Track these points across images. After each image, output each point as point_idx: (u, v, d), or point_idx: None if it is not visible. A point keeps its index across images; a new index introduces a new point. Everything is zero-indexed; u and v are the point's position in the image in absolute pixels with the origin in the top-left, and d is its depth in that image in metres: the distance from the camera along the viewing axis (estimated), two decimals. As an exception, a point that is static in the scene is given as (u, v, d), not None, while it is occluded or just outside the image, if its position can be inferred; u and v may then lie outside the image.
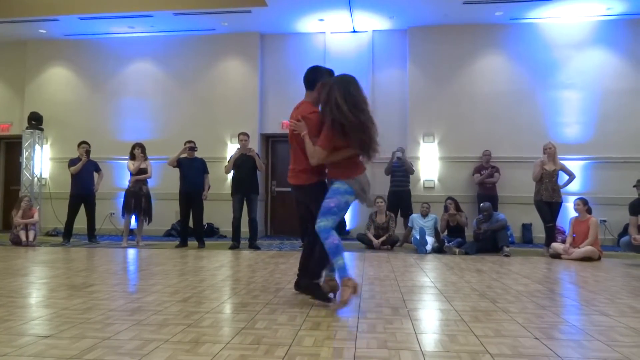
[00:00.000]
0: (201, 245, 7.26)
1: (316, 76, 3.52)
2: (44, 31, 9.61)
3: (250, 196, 7.06)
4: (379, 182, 8.89)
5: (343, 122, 3.19)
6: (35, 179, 9.59)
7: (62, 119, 9.81)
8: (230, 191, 7.25)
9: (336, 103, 3.20)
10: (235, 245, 6.98)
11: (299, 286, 3.53)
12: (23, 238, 7.32)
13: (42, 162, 9.74)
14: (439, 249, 6.81)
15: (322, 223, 3.24)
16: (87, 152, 7.73)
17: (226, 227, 8.66)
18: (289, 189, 9.08)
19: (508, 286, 4.09)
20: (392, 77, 9.36)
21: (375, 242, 7.11)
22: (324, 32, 9.50)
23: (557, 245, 6.40)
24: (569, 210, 7.50)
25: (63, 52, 9.99)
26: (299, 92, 10.02)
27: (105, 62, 9.87)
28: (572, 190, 7.82)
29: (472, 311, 3.12)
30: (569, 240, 6.39)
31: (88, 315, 2.94)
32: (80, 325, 2.71)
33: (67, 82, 9.98)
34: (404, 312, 3.07)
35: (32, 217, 7.63)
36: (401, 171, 8.16)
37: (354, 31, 9.44)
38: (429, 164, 9.00)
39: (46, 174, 9.81)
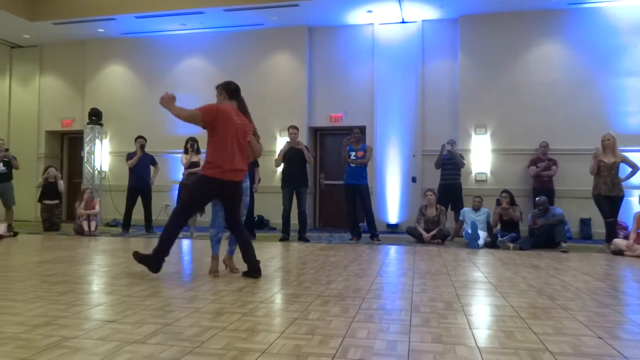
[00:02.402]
0: (252, 236, 7.38)
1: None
2: (102, 30, 10.02)
3: (300, 189, 7.13)
4: (428, 175, 8.77)
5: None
6: (96, 172, 10.07)
7: (120, 114, 10.23)
8: (280, 184, 7.35)
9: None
10: (285, 237, 7.07)
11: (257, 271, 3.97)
12: (85, 228, 7.72)
13: (102, 155, 10.21)
14: (491, 244, 6.64)
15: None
16: (142, 147, 8.03)
17: (276, 220, 8.78)
18: (337, 182, 9.19)
19: (567, 283, 3.94)
20: (442, 68, 9.17)
21: (426, 235, 7.02)
22: (372, 24, 9.41)
23: (619, 242, 6.10)
24: (633, 204, 7.12)
25: (120, 50, 10.40)
26: (347, 85, 10.05)
27: (159, 58, 10.19)
28: (637, 183, 7.41)
29: (530, 308, 3.03)
30: (632, 236, 6.07)
31: (149, 302, 3.07)
32: (141, 311, 2.83)
33: (124, 78, 10.39)
34: (458, 307, 3.02)
35: (94, 208, 8.02)
36: (451, 164, 8.00)
37: (403, 22, 9.29)
38: (481, 157, 8.77)
39: (106, 167, 10.29)
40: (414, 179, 9.05)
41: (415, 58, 9.19)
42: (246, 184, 4.31)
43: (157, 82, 10.16)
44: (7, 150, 8.26)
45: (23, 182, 9.45)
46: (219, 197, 4.05)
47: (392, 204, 9.10)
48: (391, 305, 3.05)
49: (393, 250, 6.09)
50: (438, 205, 7.33)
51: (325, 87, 9.59)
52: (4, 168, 7.98)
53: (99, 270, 4.43)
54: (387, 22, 9.33)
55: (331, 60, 9.61)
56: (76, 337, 2.33)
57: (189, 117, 3.88)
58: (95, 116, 10.04)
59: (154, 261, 3.88)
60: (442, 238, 7.07)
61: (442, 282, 3.88)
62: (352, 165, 7.13)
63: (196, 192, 4.04)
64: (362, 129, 8.20)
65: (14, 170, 8.15)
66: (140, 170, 8.03)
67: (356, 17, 9.18)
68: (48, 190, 8.47)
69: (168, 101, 3.87)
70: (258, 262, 3.99)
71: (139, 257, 3.96)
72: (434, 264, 4.89)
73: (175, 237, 3.93)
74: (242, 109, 4.19)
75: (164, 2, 9.03)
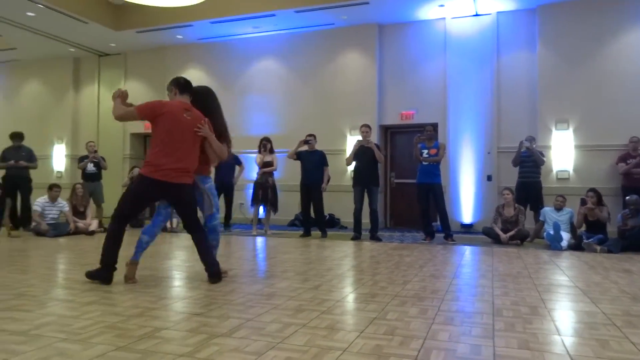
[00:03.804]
0: (324, 235, 7.47)
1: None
2: (181, 37, 10.52)
3: (371, 188, 7.10)
4: (505, 173, 8.43)
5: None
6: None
7: (197, 117, 10.68)
8: (350, 183, 7.37)
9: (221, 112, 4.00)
10: (356, 236, 7.08)
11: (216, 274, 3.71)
12: (168, 225, 8.14)
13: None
14: (575, 246, 6.27)
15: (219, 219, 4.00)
16: None
17: (346, 218, 8.82)
18: (408, 180, 9.06)
19: (665, 289, 3.64)
20: (519, 61, 8.77)
21: (503, 236, 6.75)
22: (444, 18, 9.18)
23: None
24: None
25: (197, 55, 10.86)
26: (418, 82, 9.89)
27: (233, 61, 10.54)
28: None
29: (625, 315, 2.83)
30: None
31: (230, 297, 3.19)
32: (225, 306, 2.95)
33: (200, 82, 10.64)
34: (544, 312, 2.88)
35: (174, 206, 8.43)
36: (530, 161, 7.62)
37: (477, 14, 8.98)
38: (563, 153, 8.30)
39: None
40: (489, 177, 8.73)
41: (490, 52, 8.86)
42: (209, 184, 3.93)
43: (231, 84, 10.52)
44: (96, 152, 8.89)
45: (111, 182, 10.12)
46: (162, 199, 3.79)
47: (467, 203, 8.84)
48: (471, 308, 2.97)
49: (468, 251, 5.92)
50: (516, 205, 7.03)
51: (395, 85, 9.48)
52: (94, 168, 8.60)
53: (182, 265, 4.66)
54: (460, 16, 9.06)
55: (402, 57, 9.48)
56: (167, 328, 2.47)
57: (122, 115, 3.62)
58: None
59: (103, 271, 3.58)
60: (521, 239, 6.77)
61: (525, 285, 3.71)
62: (424, 163, 7.00)
63: (130, 193, 3.71)
64: (435, 126, 8.03)
65: (102, 171, 8.77)
66: (223, 169, 8.33)
67: (427, 12, 9.00)
68: (133, 189, 9.00)
69: (115, 97, 3.65)
70: (217, 264, 3.73)
71: (90, 275, 3.64)
72: (514, 266, 4.70)
73: (117, 245, 3.61)
74: (206, 102, 3.88)
75: (238, 6, 9.32)
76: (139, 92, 11.42)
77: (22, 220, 8.01)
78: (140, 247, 3.77)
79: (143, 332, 2.40)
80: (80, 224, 7.60)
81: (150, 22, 9.92)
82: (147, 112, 3.60)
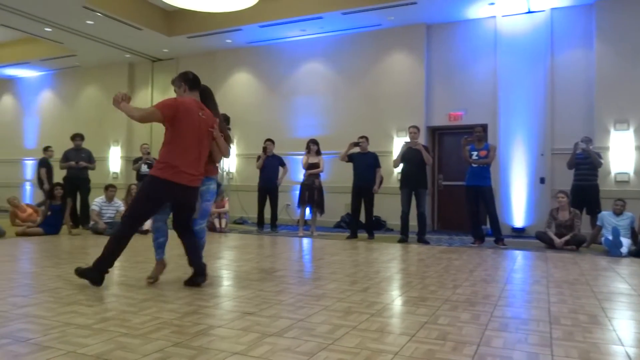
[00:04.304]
0: (371, 237, 7.45)
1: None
2: (230, 41, 10.75)
3: (419, 190, 7.02)
4: (559, 176, 8.12)
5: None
6: (225, 173, 10.84)
7: (245, 119, 10.89)
8: (397, 185, 7.30)
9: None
10: (404, 239, 7.01)
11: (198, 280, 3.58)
12: (217, 225, 8.34)
13: (230, 158, 10.96)
14: (637, 252, 5.95)
15: (204, 224, 3.85)
16: (264, 149, 8.47)
17: (392, 221, 8.74)
18: (457, 183, 8.89)
19: None
20: (575, 59, 8.42)
21: (558, 241, 6.50)
22: (495, 16, 8.94)
23: None
24: None
25: (245, 59, 11.07)
26: (467, 82, 9.71)
27: (281, 64, 10.67)
28: None
29: (694, 327, 2.67)
30: None
31: (281, 297, 3.24)
32: (275, 306, 3.00)
33: (249, 85, 11.04)
34: (604, 321, 2.76)
35: (224, 207, 8.64)
36: (586, 164, 7.31)
37: (529, 12, 8.70)
38: (622, 155, 7.89)
39: (233, 169, 11.03)
40: (542, 180, 8.43)
41: (543, 50, 8.55)
42: (206, 186, 3.80)
43: (278, 87, 10.65)
44: (149, 153, 9.22)
45: (163, 182, 10.45)
46: (169, 202, 3.59)
47: (518, 206, 8.57)
48: (526, 315, 2.88)
49: (521, 256, 5.74)
50: (571, 209, 6.76)
51: (444, 85, 9.33)
52: (147, 170, 8.92)
53: (232, 264, 4.76)
54: (511, 14, 8.81)
55: (450, 57, 9.32)
56: (220, 326, 2.53)
57: (144, 116, 3.42)
58: (225, 121, 10.75)
59: (96, 272, 3.42)
60: (576, 244, 6.50)
61: (583, 293, 3.56)
62: (474, 165, 6.85)
63: (143, 195, 3.49)
64: (484, 127, 7.84)
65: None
66: (267, 171, 8.47)
67: (477, 10, 8.80)
68: (184, 189, 9.27)
69: (119, 102, 3.39)
70: (204, 265, 3.62)
71: (80, 272, 3.48)
72: (570, 272, 4.52)
73: (121, 250, 3.42)
74: (207, 101, 3.75)
75: (285, 10, 9.43)
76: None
77: (81, 218, 8.41)
78: (159, 247, 3.72)
79: (198, 329, 2.47)
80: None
81: (201, 27, 10.19)
82: (170, 110, 3.38)
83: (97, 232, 7.50)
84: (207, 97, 3.77)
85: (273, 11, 9.48)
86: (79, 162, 8.38)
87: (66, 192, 7.69)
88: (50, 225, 7.36)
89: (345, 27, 9.71)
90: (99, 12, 9.11)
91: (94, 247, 6.02)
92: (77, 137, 8.54)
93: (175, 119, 3.39)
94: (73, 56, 12.00)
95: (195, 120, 3.46)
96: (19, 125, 14.27)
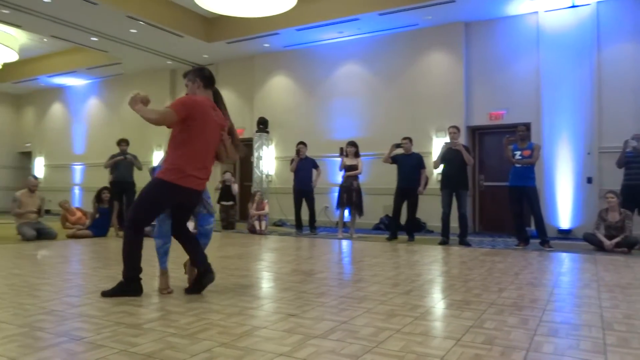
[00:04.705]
0: (411, 239, 7.37)
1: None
2: (267, 45, 10.88)
3: (460, 191, 6.90)
4: (608, 175, 7.81)
5: None
6: (264, 175, 10.97)
7: (283, 122, 11.00)
8: (436, 186, 7.20)
9: None
10: (444, 241, 6.90)
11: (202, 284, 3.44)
12: (257, 227, 8.46)
13: (269, 160, 11.10)
14: (694, 255, 5.66)
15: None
16: (297, 152, 8.50)
17: (432, 222, 8.63)
18: (498, 183, 8.69)
19: None
20: (623, 54, 8.08)
21: (607, 243, 6.25)
22: (537, 12, 8.69)
23: None
24: None
25: (283, 62, 11.18)
26: (508, 80, 9.50)
27: (318, 67, 10.72)
28: None
29: None
30: None
31: (323, 299, 3.25)
32: (318, 307, 3.01)
33: (286, 88, 11.15)
34: (662, 328, 2.63)
35: (264, 209, 8.75)
36: (637, 162, 6.99)
37: (574, 6, 8.41)
38: (677, 153, 7.51)
39: (272, 171, 11.15)
40: (589, 180, 8.13)
41: (589, 45, 8.25)
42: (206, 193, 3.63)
43: (315, 89, 10.70)
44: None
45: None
46: (174, 205, 3.41)
47: (564, 207, 8.29)
48: (577, 320, 2.79)
49: (568, 258, 5.55)
50: (622, 209, 6.48)
51: (484, 84, 9.14)
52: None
53: (273, 266, 4.81)
54: (555, 8, 8.54)
55: (490, 56, 9.12)
56: (265, 327, 2.56)
57: (160, 118, 3.17)
58: (263, 124, 10.95)
59: (131, 283, 3.29)
60: (628, 246, 6.23)
61: (637, 297, 3.41)
62: (517, 165, 6.68)
63: (148, 198, 3.28)
64: (527, 126, 7.63)
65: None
66: (302, 173, 8.52)
67: (517, 7, 8.58)
68: (224, 192, 9.47)
69: (136, 102, 3.18)
70: (209, 264, 3.45)
71: (112, 293, 3.27)
72: (622, 276, 4.33)
73: (137, 253, 3.29)
74: (218, 104, 3.52)
75: (322, 12, 9.47)
76: (229, 101, 11.89)
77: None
78: (164, 254, 3.53)
79: (243, 330, 2.51)
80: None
81: (240, 32, 10.36)
82: (185, 110, 3.19)
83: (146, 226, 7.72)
84: (218, 100, 3.56)
85: (310, 14, 9.54)
86: (126, 156, 8.64)
87: (113, 196, 7.96)
88: (98, 228, 7.64)
89: (382, 27, 9.66)
90: (142, 21, 9.41)
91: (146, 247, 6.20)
92: (122, 142, 8.83)
93: (189, 118, 3.19)
94: (117, 64, 12.44)
95: (210, 121, 3.30)
96: (68, 132, 14.91)
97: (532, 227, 6.90)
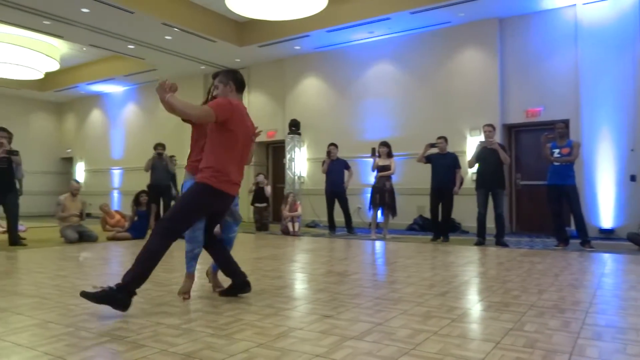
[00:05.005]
0: (445, 239, 7.27)
1: None
2: (298, 47, 10.94)
3: (496, 190, 6.76)
4: (653, 172, 7.50)
5: None
6: (296, 177, 11.03)
7: (315, 124, 11.03)
8: (471, 185, 7.07)
9: None
10: (480, 242, 6.77)
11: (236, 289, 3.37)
12: (290, 229, 8.51)
13: (301, 162, 11.15)
14: None
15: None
16: (328, 153, 8.53)
17: (467, 223, 8.48)
18: (536, 182, 8.47)
19: None
20: (668, 45, 7.76)
21: (653, 243, 6.01)
22: (574, 5, 8.43)
23: None
24: None
25: (314, 64, 11.22)
26: (545, 76, 9.27)
27: (349, 68, 10.70)
28: None
29: None
30: None
31: (358, 300, 3.24)
32: (353, 309, 3.00)
33: (318, 90, 11.18)
34: None
35: (296, 210, 8.80)
36: (685, 158, 6.70)
37: (614, -2, 8.13)
38: None
39: (304, 173, 11.20)
40: (633, 177, 7.82)
41: (630, 38, 7.94)
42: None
43: (347, 90, 10.69)
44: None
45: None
46: (213, 211, 3.27)
47: (606, 206, 8.00)
48: (622, 323, 2.69)
49: (611, 259, 5.36)
50: (669, 208, 6.21)
51: (519, 81, 8.92)
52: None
53: (308, 267, 4.83)
54: (594, 1, 8.26)
55: (526, 51, 8.90)
56: (301, 329, 2.58)
57: (202, 115, 3.04)
58: (294, 126, 11.01)
59: (125, 295, 2.86)
60: (675, 246, 5.97)
61: (687, 300, 3.27)
62: (555, 164, 6.49)
63: (189, 204, 3.06)
64: (566, 123, 7.41)
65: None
66: (333, 175, 8.54)
67: (554, 0, 8.35)
68: (258, 194, 9.57)
69: (165, 91, 3.08)
70: (244, 274, 3.36)
71: (95, 297, 2.83)
72: (670, 277, 4.16)
73: (154, 265, 2.96)
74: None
75: (352, 13, 9.45)
76: (261, 104, 12.08)
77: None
78: (193, 259, 3.43)
79: (279, 331, 2.53)
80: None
81: (271, 35, 10.45)
82: (225, 113, 3.05)
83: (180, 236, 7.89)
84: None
85: (340, 15, 9.54)
86: (162, 156, 8.83)
87: (151, 199, 8.16)
88: (137, 230, 7.84)
89: (414, 26, 9.56)
90: (177, 28, 9.61)
91: (176, 250, 6.32)
92: (159, 147, 9.04)
93: (228, 122, 3.06)
94: (153, 70, 12.74)
95: (246, 125, 3.23)
96: (107, 137, 15.37)
97: (572, 227, 6.69)
